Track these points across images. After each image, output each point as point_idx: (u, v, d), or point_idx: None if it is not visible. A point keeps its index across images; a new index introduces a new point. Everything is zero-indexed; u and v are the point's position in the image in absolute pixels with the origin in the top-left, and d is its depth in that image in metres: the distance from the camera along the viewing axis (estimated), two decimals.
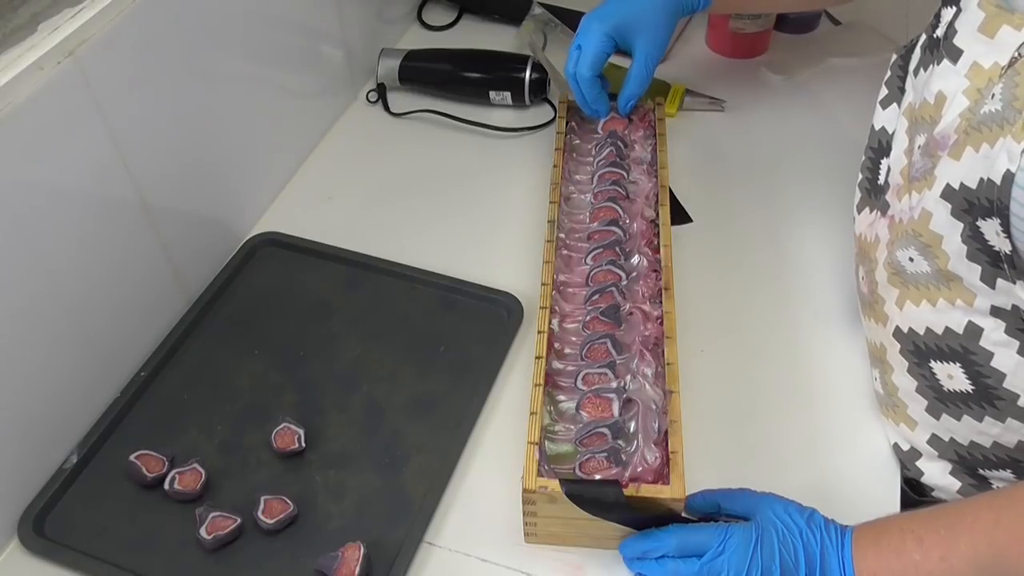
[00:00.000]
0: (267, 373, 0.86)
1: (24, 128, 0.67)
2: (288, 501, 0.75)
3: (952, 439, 0.73)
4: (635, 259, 0.85)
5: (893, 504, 0.77)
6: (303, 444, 0.79)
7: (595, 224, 0.89)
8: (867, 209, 0.78)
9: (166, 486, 0.76)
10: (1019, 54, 0.58)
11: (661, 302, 0.80)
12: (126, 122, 0.77)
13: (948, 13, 0.66)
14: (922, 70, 0.69)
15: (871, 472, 0.79)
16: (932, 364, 0.70)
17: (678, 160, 1.02)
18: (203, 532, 0.72)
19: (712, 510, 0.69)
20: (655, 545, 0.67)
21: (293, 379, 0.85)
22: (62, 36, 0.69)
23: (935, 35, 0.68)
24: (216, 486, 0.77)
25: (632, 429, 0.72)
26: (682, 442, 0.70)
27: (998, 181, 0.56)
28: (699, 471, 0.71)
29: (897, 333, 0.73)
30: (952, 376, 0.69)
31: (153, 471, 0.77)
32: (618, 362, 0.77)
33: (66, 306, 0.75)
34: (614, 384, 0.75)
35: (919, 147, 0.68)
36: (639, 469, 0.69)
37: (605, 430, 0.72)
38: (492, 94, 1.13)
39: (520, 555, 0.73)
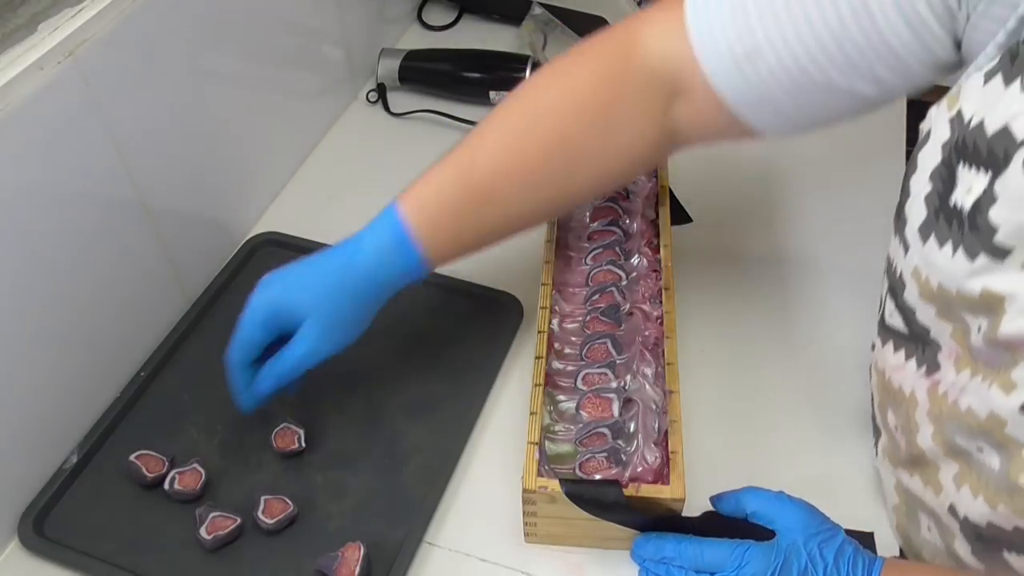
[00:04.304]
0: None
1: (24, 128, 0.67)
2: (288, 501, 0.75)
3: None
4: (635, 259, 0.85)
5: (893, 503, 0.77)
6: (303, 444, 0.79)
7: (595, 224, 0.89)
8: (902, 351, 0.63)
9: (166, 486, 0.76)
10: None
11: (661, 302, 0.80)
12: (126, 122, 0.77)
13: (968, 175, 0.52)
14: (936, 243, 0.54)
15: (871, 470, 0.79)
16: (1006, 554, 0.60)
17: (678, 160, 1.02)
18: (203, 532, 0.72)
19: (739, 515, 0.68)
20: (669, 554, 0.66)
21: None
22: (62, 36, 0.69)
23: (952, 203, 0.53)
24: (216, 486, 0.77)
25: (632, 429, 0.72)
26: (682, 442, 0.70)
27: None
28: (699, 471, 0.71)
29: (952, 511, 0.61)
30: None
31: (153, 471, 0.77)
32: (618, 362, 0.77)
33: (66, 306, 0.75)
34: (614, 384, 0.75)
35: (980, 331, 0.54)
36: (639, 469, 0.69)
37: (605, 430, 0.72)
38: (492, 94, 1.13)
39: (520, 555, 0.73)
